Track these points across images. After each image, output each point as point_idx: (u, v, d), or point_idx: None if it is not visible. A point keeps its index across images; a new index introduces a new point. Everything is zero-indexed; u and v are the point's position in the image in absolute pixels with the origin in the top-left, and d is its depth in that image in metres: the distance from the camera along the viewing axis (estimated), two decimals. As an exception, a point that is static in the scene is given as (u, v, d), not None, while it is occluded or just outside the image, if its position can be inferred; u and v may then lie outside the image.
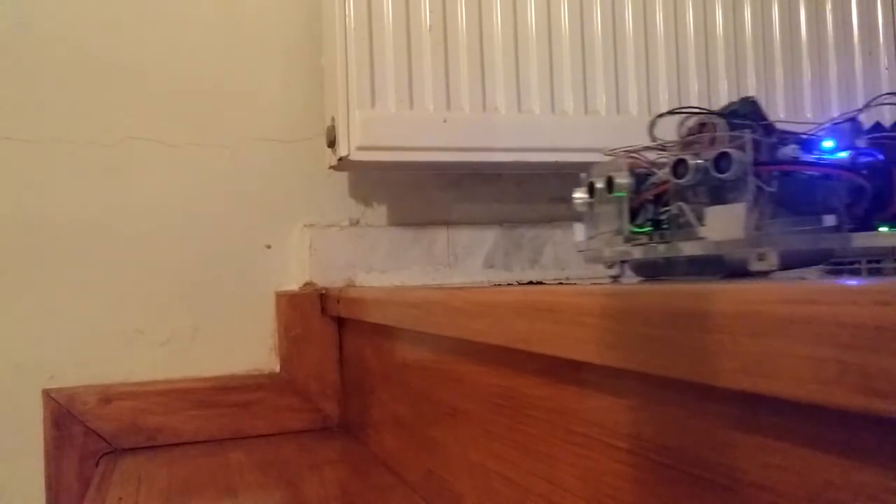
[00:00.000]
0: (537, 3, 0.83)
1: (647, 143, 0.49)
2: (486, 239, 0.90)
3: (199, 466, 0.69)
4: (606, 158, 0.49)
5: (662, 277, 0.47)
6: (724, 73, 0.90)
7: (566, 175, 0.61)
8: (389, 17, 0.78)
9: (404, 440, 0.62)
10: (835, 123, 0.46)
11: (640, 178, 0.47)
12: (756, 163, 0.40)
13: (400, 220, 0.89)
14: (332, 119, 0.80)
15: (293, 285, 0.85)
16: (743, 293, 0.23)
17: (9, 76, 0.78)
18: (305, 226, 0.85)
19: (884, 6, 0.99)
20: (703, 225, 0.41)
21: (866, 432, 0.20)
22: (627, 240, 0.47)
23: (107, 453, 0.76)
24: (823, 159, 0.44)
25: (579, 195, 0.51)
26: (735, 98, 0.47)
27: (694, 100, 0.88)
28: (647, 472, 0.30)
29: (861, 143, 0.46)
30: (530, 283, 0.54)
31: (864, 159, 0.45)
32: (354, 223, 0.88)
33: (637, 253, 0.47)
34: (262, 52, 0.86)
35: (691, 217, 0.43)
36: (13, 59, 0.78)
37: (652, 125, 0.49)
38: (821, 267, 0.44)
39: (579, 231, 0.52)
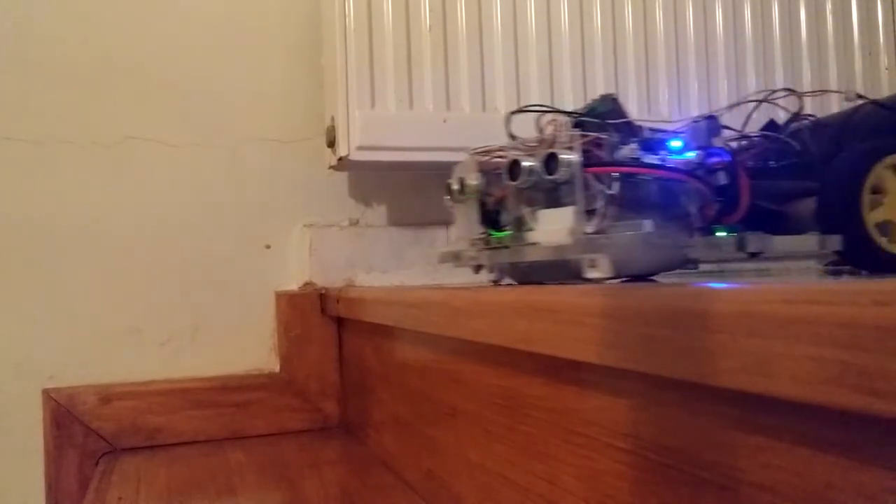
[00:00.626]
0: (537, 2, 0.83)
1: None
2: (486, 239, 0.90)
3: (198, 466, 0.69)
4: (470, 158, 0.47)
5: (528, 281, 0.45)
6: (724, 74, 0.90)
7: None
8: (389, 17, 0.78)
9: (404, 440, 0.62)
10: (694, 121, 0.43)
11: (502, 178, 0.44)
12: (586, 164, 0.37)
13: (400, 220, 0.89)
14: (332, 119, 0.80)
15: (293, 285, 0.85)
16: (743, 293, 0.23)
17: (9, 76, 0.78)
18: (305, 226, 0.85)
19: (884, 6, 0.99)
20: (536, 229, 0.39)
21: (866, 432, 0.20)
22: (474, 244, 0.45)
23: (107, 453, 0.76)
24: (666, 160, 0.41)
25: (446, 197, 0.49)
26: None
27: (694, 100, 0.88)
28: (647, 472, 0.30)
29: (718, 142, 0.42)
30: (530, 283, 0.53)
31: (712, 160, 0.41)
32: (354, 223, 0.88)
33: (484, 258, 0.45)
34: (262, 52, 0.86)
35: (529, 221, 0.41)
36: (13, 59, 0.78)
37: (507, 122, 0.47)
38: (681, 272, 0.41)
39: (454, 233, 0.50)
